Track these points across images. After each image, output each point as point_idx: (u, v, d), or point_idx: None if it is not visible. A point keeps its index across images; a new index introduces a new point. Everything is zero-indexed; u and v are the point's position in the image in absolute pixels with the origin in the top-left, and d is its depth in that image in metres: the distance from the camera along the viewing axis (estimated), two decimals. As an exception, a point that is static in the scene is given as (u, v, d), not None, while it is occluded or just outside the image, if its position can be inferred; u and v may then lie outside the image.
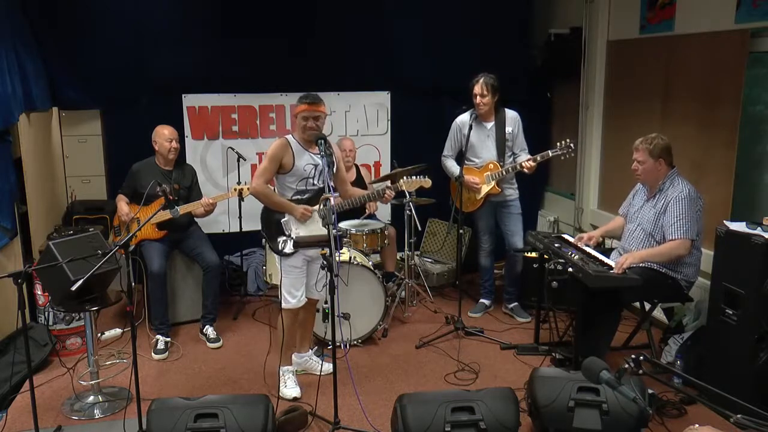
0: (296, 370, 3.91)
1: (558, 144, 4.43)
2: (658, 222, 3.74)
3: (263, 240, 4.95)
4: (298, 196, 3.64)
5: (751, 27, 3.80)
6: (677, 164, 3.81)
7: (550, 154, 4.45)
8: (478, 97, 4.54)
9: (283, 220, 3.61)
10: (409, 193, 4.62)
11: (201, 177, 4.94)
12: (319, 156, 3.53)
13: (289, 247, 3.60)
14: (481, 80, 4.51)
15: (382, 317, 4.43)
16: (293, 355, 3.95)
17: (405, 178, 4.20)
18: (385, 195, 3.90)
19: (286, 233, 3.60)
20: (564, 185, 5.94)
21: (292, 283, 3.67)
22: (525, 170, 4.52)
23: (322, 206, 3.64)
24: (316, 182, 3.65)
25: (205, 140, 5.41)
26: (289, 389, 3.73)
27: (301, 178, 3.61)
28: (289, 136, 3.65)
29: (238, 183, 4.87)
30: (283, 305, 3.69)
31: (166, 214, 4.17)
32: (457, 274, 5.22)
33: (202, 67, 5.30)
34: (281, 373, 3.80)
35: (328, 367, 3.64)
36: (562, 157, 4.46)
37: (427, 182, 4.20)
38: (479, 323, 4.80)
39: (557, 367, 3.93)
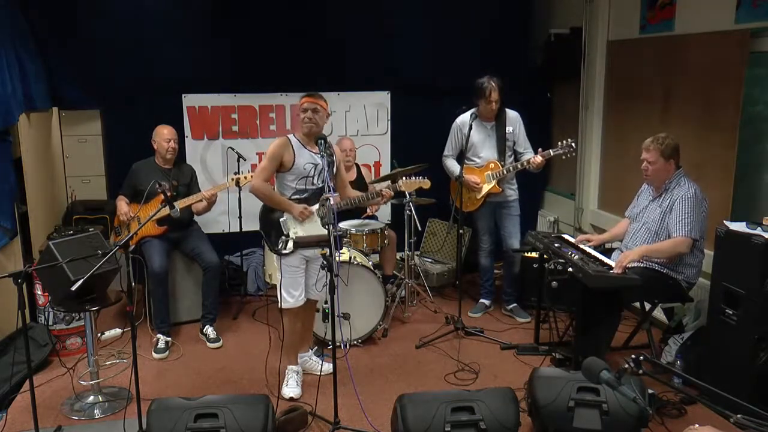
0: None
1: (559, 143, 4.44)
2: (663, 221, 3.75)
3: (263, 240, 4.97)
4: (297, 196, 3.65)
5: (751, 27, 3.80)
6: (678, 164, 3.81)
7: (552, 154, 4.46)
8: (493, 104, 4.53)
9: (281, 219, 3.62)
10: (409, 193, 4.63)
11: (201, 177, 4.95)
12: (319, 156, 3.54)
13: (288, 247, 3.60)
14: (494, 84, 4.49)
15: (382, 317, 4.44)
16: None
17: (404, 178, 4.21)
18: (383, 193, 3.90)
19: (285, 233, 3.61)
20: (564, 185, 5.94)
21: (290, 282, 3.67)
22: (532, 167, 4.51)
23: (321, 206, 3.64)
24: (315, 182, 3.65)
25: (205, 140, 5.41)
26: (290, 389, 3.74)
27: (300, 176, 3.61)
28: (291, 135, 3.68)
29: (236, 173, 4.86)
30: (282, 305, 3.70)
31: (166, 211, 4.17)
32: (457, 274, 5.22)
33: (202, 67, 5.30)
34: (286, 372, 3.80)
35: (328, 367, 3.64)
36: (563, 157, 4.47)
37: (426, 183, 4.20)
38: (479, 323, 4.80)
39: (557, 367, 3.93)
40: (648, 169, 3.79)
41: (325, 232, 3.47)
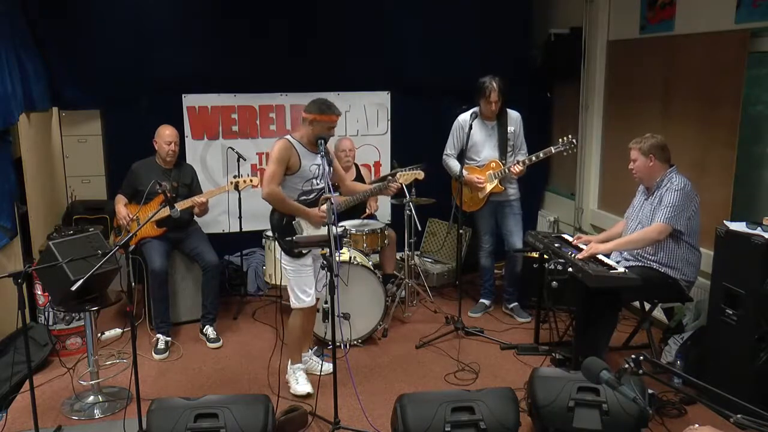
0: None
1: (560, 140, 4.44)
2: (654, 216, 3.76)
3: (263, 240, 4.97)
4: (304, 197, 3.64)
5: (751, 27, 3.80)
6: (677, 164, 3.80)
7: (553, 151, 4.47)
8: (493, 104, 4.54)
9: (294, 222, 3.62)
10: (409, 193, 4.63)
11: (201, 177, 4.94)
12: (320, 156, 3.54)
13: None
14: (495, 86, 4.49)
15: (382, 317, 4.43)
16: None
17: (401, 171, 4.20)
18: (390, 186, 3.88)
19: (299, 234, 3.61)
20: (564, 185, 5.94)
21: (305, 281, 3.67)
22: (513, 174, 4.56)
23: (328, 205, 3.65)
24: (319, 182, 3.66)
25: (205, 140, 5.40)
26: (301, 386, 3.74)
27: (306, 179, 3.61)
28: (290, 138, 3.63)
29: (235, 176, 4.86)
30: (297, 305, 3.70)
31: (165, 212, 4.17)
32: (457, 274, 5.21)
33: (202, 67, 5.30)
34: (292, 371, 3.81)
35: (328, 367, 3.64)
36: (565, 153, 4.48)
37: (420, 174, 4.19)
38: (479, 323, 4.80)
39: (557, 367, 3.93)
40: (633, 168, 3.85)
41: (339, 230, 3.50)
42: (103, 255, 3.34)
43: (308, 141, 3.61)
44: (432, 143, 4.98)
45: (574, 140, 4.43)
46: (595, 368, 2.01)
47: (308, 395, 3.69)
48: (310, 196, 3.65)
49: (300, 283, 3.66)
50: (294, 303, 3.71)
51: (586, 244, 4.04)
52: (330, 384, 3.29)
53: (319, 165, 3.62)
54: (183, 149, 5.17)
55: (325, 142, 3.53)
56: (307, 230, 3.64)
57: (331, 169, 3.71)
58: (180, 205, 4.27)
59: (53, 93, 5.17)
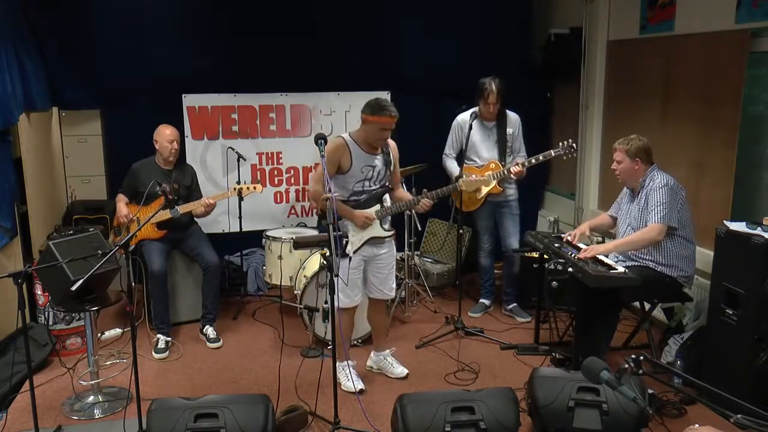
0: (372, 368, 4.03)
1: (561, 144, 4.44)
2: (643, 217, 3.77)
3: (263, 240, 4.97)
4: (355, 198, 3.63)
5: (751, 27, 3.80)
6: (677, 164, 3.82)
7: (552, 154, 4.47)
8: (492, 106, 4.54)
9: (340, 221, 3.59)
10: (409, 192, 4.64)
11: (201, 177, 4.95)
12: (376, 158, 3.59)
13: (349, 249, 3.59)
14: (494, 87, 4.49)
15: (382, 317, 4.43)
16: (372, 353, 4.06)
17: (464, 177, 4.30)
18: (420, 203, 3.84)
19: (345, 236, 3.59)
20: (564, 185, 5.94)
21: (350, 285, 3.64)
22: (512, 176, 4.55)
23: (380, 207, 3.68)
24: (373, 184, 3.66)
25: (205, 140, 5.40)
26: (353, 382, 3.74)
27: (358, 180, 3.61)
28: (347, 137, 3.62)
29: (238, 182, 4.86)
30: (340, 305, 3.58)
31: (165, 214, 4.16)
32: (457, 274, 5.21)
33: (202, 67, 5.30)
34: (340, 368, 3.76)
35: (402, 370, 3.87)
36: (564, 157, 4.48)
37: (489, 182, 4.32)
38: (479, 323, 4.80)
39: (557, 367, 3.93)
40: (617, 169, 3.86)
41: (383, 233, 3.58)
42: (103, 255, 3.34)
43: (363, 141, 3.61)
44: (432, 143, 4.98)
45: (574, 144, 4.42)
46: (595, 368, 2.01)
47: (361, 392, 3.72)
48: (361, 197, 3.64)
49: (343, 285, 3.59)
50: (338, 303, 3.66)
51: (577, 235, 4.06)
52: (330, 384, 3.28)
53: (373, 167, 3.62)
54: (183, 149, 5.17)
55: (325, 141, 3.49)
56: (353, 231, 3.63)
57: (389, 170, 3.69)
58: (181, 209, 4.27)
59: (53, 93, 5.17)
